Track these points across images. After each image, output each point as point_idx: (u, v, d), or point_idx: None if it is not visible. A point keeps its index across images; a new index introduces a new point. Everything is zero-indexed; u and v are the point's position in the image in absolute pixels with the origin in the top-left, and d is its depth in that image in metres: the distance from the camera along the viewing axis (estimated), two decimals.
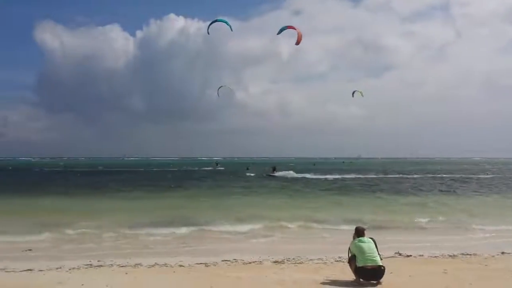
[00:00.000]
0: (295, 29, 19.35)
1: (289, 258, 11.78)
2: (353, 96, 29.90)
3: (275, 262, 11.42)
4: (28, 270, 10.49)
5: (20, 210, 22.52)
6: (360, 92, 29.80)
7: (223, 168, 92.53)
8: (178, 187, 41.03)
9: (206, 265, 11.07)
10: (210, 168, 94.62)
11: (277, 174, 61.39)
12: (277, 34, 19.17)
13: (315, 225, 18.16)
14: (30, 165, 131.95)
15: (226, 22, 18.72)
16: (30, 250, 13.49)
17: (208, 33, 19.13)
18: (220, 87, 22.92)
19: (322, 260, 11.58)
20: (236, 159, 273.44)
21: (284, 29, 19.17)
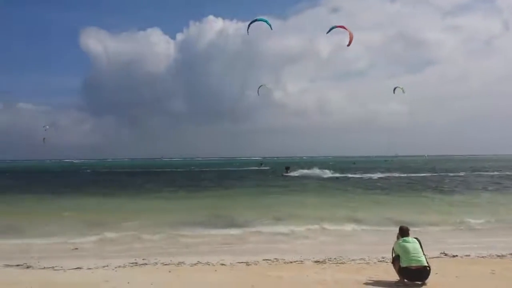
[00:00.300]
0: (346, 28, 18.96)
1: (330, 258, 11.64)
2: (394, 92, 29.30)
3: (316, 262, 11.32)
4: (77, 268, 10.87)
5: (67, 210, 23.40)
6: (401, 89, 29.16)
7: (267, 168, 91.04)
8: (219, 186, 41.49)
9: (247, 264, 11.12)
10: (254, 168, 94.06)
11: (290, 174, 60.89)
12: (327, 33, 18.93)
13: (356, 224, 17.84)
14: (75, 166, 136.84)
15: (266, 21, 18.66)
16: (76, 249, 14.02)
17: (248, 33, 19.13)
18: (260, 86, 23.00)
19: (365, 260, 11.38)
20: (275, 158, 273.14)
21: (334, 28, 18.91)
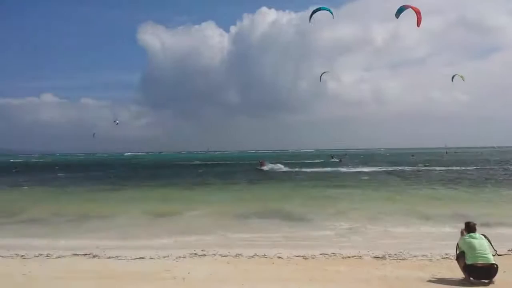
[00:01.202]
0: (413, 8, 17.86)
1: (390, 254, 11.34)
2: (452, 80, 27.78)
3: (375, 257, 11.07)
4: (140, 258, 11.28)
5: (132, 200, 24.50)
6: (461, 77, 27.63)
7: (338, 160, 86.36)
8: (274, 179, 41.64)
9: (304, 257, 11.07)
10: (321, 161, 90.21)
11: (266, 168, 60.03)
12: (396, 17, 18.01)
13: (417, 219, 17.30)
14: (136, 159, 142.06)
15: (329, 10, 18.35)
16: (139, 238, 14.59)
17: (310, 22, 18.88)
18: (323, 72, 22.70)
19: (427, 257, 10.98)
20: (328, 150, 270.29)
21: (403, 10, 17.85)
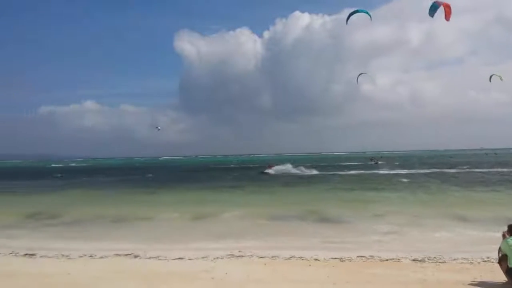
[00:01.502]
0: (445, 4, 17.30)
1: (429, 257, 11.13)
2: (490, 80, 26.69)
3: (414, 260, 10.90)
4: (179, 258, 11.54)
5: (170, 203, 25.09)
6: (499, 76, 26.48)
7: (373, 163, 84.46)
8: (309, 182, 41.49)
9: (341, 260, 11.03)
10: (357, 163, 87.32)
11: (272, 171, 57.93)
12: (430, 16, 17.58)
13: (457, 222, 16.88)
14: (172, 163, 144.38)
15: (366, 12, 18.23)
16: (178, 239, 14.90)
17: (347, 23, 18.81)
18: (360, 74, 22.39)
19: (468, 260, 10.73)
20: (362, 153, 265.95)
21: (437, 8, 17.35)
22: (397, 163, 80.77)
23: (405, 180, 40.35)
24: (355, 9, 18.57)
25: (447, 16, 16.95)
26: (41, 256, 12.16)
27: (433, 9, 17.10)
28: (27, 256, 12.27)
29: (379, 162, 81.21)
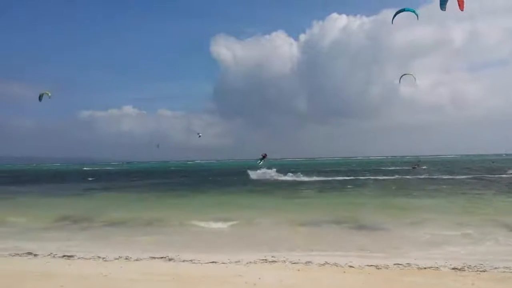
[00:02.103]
0: None
1: (469, 265, 10.71)
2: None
3: (453, 268, 10.52)
4: (212, 262, 11.59)
5: (203, 206, 25.33)
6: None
7: (411, 168, 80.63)
8: (343, 187, 40.98)
9: (377, 267, 10.76)
10: (395, 168, 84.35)
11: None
12: (442, 9, 17.04)
13: (499, 229, 16.16)
14: (207, 166, 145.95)
15: (413, 11, 17.82)
16: (211, 243, 14.97)
17: (392, 22, 18.47)
18: (404, 74, 21.84)
19: (510, 269, 10.24)
20: (400, 157, 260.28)
21: (446, 0, 16.79)
22: (437, 168, 78.67)
23: (445, 186, 39.06)
24: (401, 8, 18.16)
25: (461, 6, 16.35)
26: (78, 258, 12.48)
27: (443, 2, 16.60)
28: (65, 257, 12.61)
29: (418, 167, 79.16)
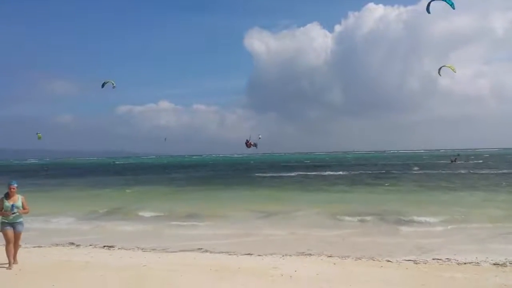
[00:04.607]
0: None
1: (511, 261, 10.42)
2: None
3: (494, 264, 10.22)
4: (248, 254, 11.72)
5: (239, 199, 25.71)
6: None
7: (449, 161, 78.09)
8: (379, 180, 40.40)
9: (415, 262, 10.57)
10: (432, 162, 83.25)
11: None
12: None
13: None
14: (242, 160, 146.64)
15: (447, 1, 17.07)
16: (247, 235, 15.10)
17: (429, 12, 17.81)
18: (442, 66, 20.97)
19: None
20: (436, 150, 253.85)
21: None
22: (477, 162, 76.24)
23: (485, 181, 37.73)
24: None
25: None
26: (118, 248, 12.86)
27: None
28: (105, 248, 13.02)
29: (457, 161, 76.87)
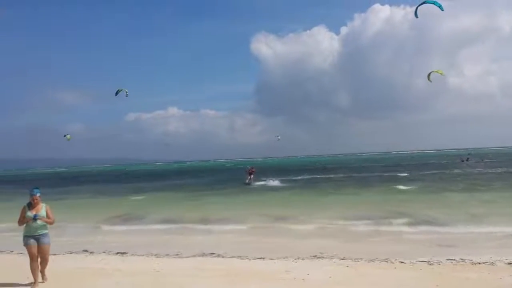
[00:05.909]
0: None
1: None
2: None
3: (509, 263, 10.13)
4: (260, 258, 11.72)
5: (251, 204, 25.86)
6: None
7: (460, 161, 77.77)
8: (390, 182, 40.18)
9: (429, 263, 10.51)
10: (444, 162, 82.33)
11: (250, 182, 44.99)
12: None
13: None
14: (253, 164, 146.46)
15: (434, 3, 16.86)
16: (258, 240, 15.13)
17: (417, 16, 17.66)
18: (431, 72, 20.65)
19: None
20: (447, 150, 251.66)
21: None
22: (489, 161, 75.52)
23: (498, 181, 37.32)
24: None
25: None
26: (131, 255, 12.92)
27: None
28: (119, 254, 13.09)
29: (468, 161, 76.19)
